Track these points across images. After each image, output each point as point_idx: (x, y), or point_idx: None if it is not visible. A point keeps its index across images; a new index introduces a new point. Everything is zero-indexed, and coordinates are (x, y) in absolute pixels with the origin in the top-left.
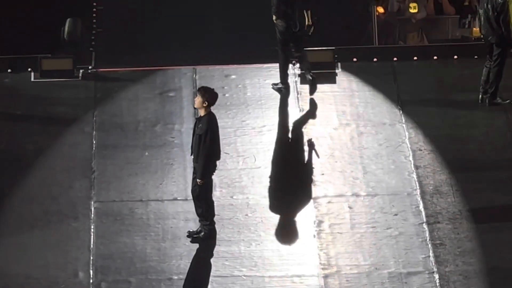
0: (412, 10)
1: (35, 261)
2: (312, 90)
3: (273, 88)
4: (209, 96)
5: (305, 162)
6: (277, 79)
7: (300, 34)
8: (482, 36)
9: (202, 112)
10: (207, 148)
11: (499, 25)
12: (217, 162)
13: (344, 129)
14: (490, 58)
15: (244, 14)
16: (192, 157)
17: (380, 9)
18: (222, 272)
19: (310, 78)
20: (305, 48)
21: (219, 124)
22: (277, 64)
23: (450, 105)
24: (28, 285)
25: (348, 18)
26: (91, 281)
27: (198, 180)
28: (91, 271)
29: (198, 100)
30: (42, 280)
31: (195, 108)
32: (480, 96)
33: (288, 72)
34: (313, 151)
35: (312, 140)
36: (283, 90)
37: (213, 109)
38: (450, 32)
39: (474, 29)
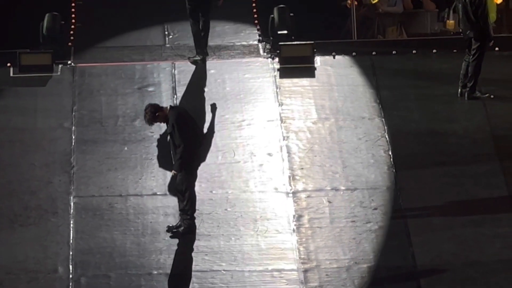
0: (373, 1)
1: (15, 256)
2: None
3: (189, 61)
4: (151, 113)
5: (285, 156)
6: (256, 73)
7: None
8: (460, 30)
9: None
10: (180, 139)
11: (477, 19)
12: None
13: (323, 123)
14: (469, 52)
15: None
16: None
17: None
18: (202, 266)
19: (198, 58)
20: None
21: (198, 118)
22: (256, 59)
23: (429, 99)
24: (7, 280)
25: (327, 13)
26: (70, 276)
27: (174, 171)
28: (70, 266)
29: (156, 123)
30: (21, 275)
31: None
32: (459, 90)
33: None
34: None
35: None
36: (199, 61)
37: (192, 103)
38: (429, 26)
39: (449, 22)
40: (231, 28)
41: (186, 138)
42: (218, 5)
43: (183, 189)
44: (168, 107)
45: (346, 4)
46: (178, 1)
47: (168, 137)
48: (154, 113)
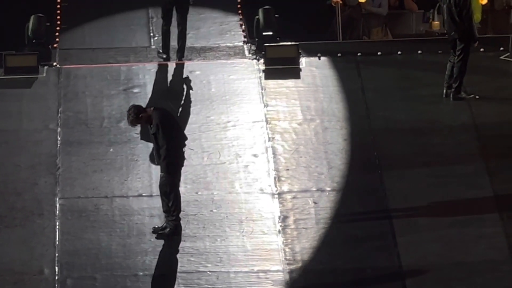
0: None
1: (0, 257)
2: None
3: (158, 56)
4: (133, 115)
5: (270, 157)
6: (241, 74)
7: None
8: (445, 31)
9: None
10: (164, 141)
11: (461, 20)
12: (185, 154)
13: (309, 124)
14: (454, 53)
15: None
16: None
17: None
18: (188, 268)
19: (164, 56)
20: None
21: (183, 120)
22: (242, 60)
23: (415, 99)
24: None
25: (312, 14)
26: (56, 277)
27: (161, 174)
28: (56, 268)
29: (140, 125)
30: (7, 276)
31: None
32: (445, 90)
33: (169, 43)
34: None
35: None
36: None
37: (177, 105)
38: (414, 27)
39: (434, 22)
40: (216, 29)
41: (170, 139)
42: (191, 3)
43: (168, 191)
44: (152, 108)
45: (331, 3)
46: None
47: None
48: (137, 115)
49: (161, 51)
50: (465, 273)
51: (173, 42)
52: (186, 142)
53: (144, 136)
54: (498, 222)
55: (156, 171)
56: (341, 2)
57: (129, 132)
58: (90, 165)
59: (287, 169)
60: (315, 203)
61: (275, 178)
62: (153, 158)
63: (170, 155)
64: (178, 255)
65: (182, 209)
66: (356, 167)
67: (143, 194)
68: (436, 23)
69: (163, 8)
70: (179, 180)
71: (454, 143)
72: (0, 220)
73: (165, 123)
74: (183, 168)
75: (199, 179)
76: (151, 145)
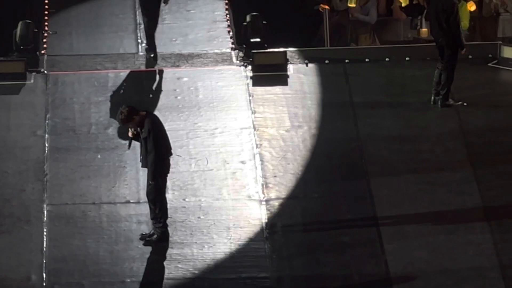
0: (349, 4)
1: None
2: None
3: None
4: (125, 116)
5: (258, 164)
6: (229, 81)
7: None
8: (433, 38)
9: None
10: (153, 147)
11: (449, 27)
12: (171, 161)
13: (296, 131)
14: (441, 60)
15: None
16: (141, 163)
17: (325, 6)
18: (175, 274)
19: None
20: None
21: (171, 126)
22: (229, 67)
23: (402, 106)
24: None
25: (300, 20)
26: (44, 284)
27: (150, 181)
28: (44, 274)
29: (129, 127)
30: None
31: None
32: (432, 97)
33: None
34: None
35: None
36: (148, 52)
37: (165, 111)
38: (402, 34)
39: (422, 30)
40: (204, 36)
41: (159, 146)
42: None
43: (154, 198)
44: (145, 112)
45: (318, 9)
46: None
47: (140, 143)
48: (130, 115)
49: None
50: (453, 280)
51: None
52: (173, 148)
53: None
54: (486, 229)
55: (143, 178)
56: (328, 8)
57: (117, 139)
58: (78, 171)
59: (275, 176)
60: (302, 209)
61: (262, 184)
62: (139, 165)
63: (157, 162)
64: (165, 262)
65: (169, 216)
66: (344, 174)
67: (131, 201)
68: (424, 30)
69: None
70: (164, 187)
71: (442, 150)
72: None
73: (156, 130)
74: (170, 174)
75: (187, 185)
76: (138, 152)
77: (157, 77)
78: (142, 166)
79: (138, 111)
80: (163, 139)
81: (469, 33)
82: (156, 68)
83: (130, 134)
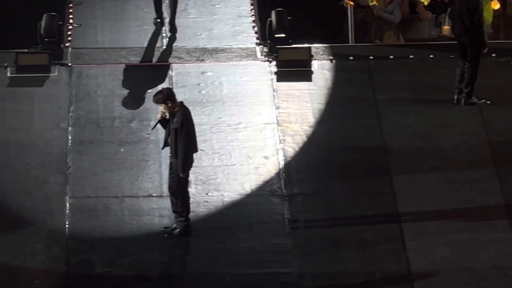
0: (371, 3)
1: (9, 256)
2: None
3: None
4: (163, 97)
5: (281, 159)
6: (253, 76)
7: None
8: (455, 36)
9: (174, 109)
10: (184, 140)
11: (472, 25)
12: (194, 156)
13: (320, 127)
14: (463, 58)
15: None
16: (169, 154)
17: (350, 2)
18: (197, 268)
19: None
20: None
21: (195, 121)
22: (254, 62)
23: (426, 104)
24: (4, 279)
25: (325, 16)
26: (65, 276)
27: (180, 174)
28: (65, 267)
29: (161, 107)
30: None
31: (182, 104)
32: (456, 96)
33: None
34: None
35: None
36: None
37: (189, 105)
38: (426, 31)
39: (444, 27)
40: (229, 30)
41: (189, 139)
42: None
43: (177, 191)
44: (180, 102)
45: (343, 4)
46: (178, 2)
47: (168, 132)
48: (167, 99)
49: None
50: (474, 279)
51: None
52: (197, 143)
53: (155, 137)
54: (508, 228)
55: (166, 171)
56: (353, 3)
57: (140, 132)
58: (101, 164)
59: (298, 172)
60: (325, 205)
61: (285, 180)
62: (162, 158)
63: (187, 155)
64: (187, 256)
65: (192, 210)
66: (366, 171)
67: (153, 194)
68: (446, 27)
69: None
70: (187, 181)
71: (465, 148)
72: (9, 218)
73: (189, 123)
74: (193, 168)
75: (210, 180)
76: (161, 145)
77: (181, 71)
78: (163, 148)
79: (175, 98)
80: (193, 134)
81: (493, 31)
82: (181, 62)
83: (158, 116)
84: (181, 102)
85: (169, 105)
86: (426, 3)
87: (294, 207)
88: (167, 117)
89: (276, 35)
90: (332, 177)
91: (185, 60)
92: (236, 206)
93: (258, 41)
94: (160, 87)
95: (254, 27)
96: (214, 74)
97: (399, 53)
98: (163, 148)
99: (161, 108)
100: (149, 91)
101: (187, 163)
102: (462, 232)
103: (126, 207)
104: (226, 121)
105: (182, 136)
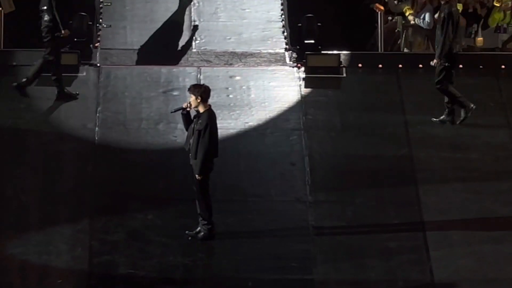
0: (406, 13)
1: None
2: None
3: None
4: (200, 91)
5: (307, 166)
6: (281, 81)
7: None
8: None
9: (201, 109)
10: (206, 143)
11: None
12: (214, 161)
13: (347, 135)
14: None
15: None
16: (190, 154)
17: (380, 7)
18: (220, 273)
19: None
20: None
21: (222, 124)
22: (282, 67)
23: (454, 114)
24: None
25: (355, 24)
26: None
27: (196, 176)
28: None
29: (192, 99)
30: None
31: (210, 107)
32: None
33: None
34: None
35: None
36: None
37: (216, 109)
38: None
39: (478, 38)
40: (258, 35)
41: (211, 143)
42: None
43: (199, 194)
44: (209, 106)
45: (373, 7)
46: (208, 5)
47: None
48: (202, 94)
49: None
50: None
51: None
52: (223, 147)
53: (182, 139)
54: None
55: (191, 174)
56: (383, 9)
57: (167, 135)
58: (125, 166)
59: (324, 178)
60: (351, 213)
61: (311, 186)
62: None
63: (207, 158)
64: (210, 260)
65: (217, 214)
66: (392, 179)
67: (178, 197)
68: (480, 39)
69: None
70: (208, 184)
71: (492, 160)
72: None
73: (213, 127)
74: (218, 173)
75: (234, 184)
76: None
77: (210, 74)
78: (187, 149)
79: (208, 100)
80: (215, 139)
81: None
82: (209, 65)
83: (184, 105)
84: (210, 105)
85: (199, 101)
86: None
87: (319, 214)
88: (189, 110)
89: (305, 41)
90: (358, 185)
91: (214, 63)
92: (260, 211)
93: (287, 46)
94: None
95: (283, 32)
96: (243, 79)
97: (429, 62)
98: (187, 149)
99: (191, 99)
100: (176, 93)
101: (205, 166)
102: (486, 243)
103: (149, 208)
104: (253, 125)
105: (204, 138)
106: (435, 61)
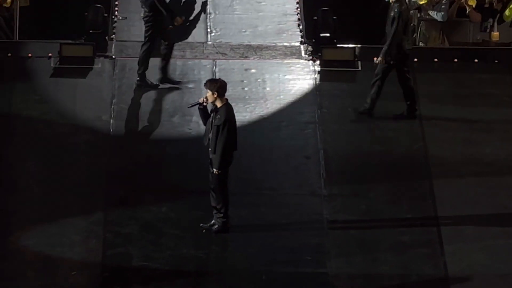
0: (420, 2)
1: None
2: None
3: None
4: (216, 86)
5: (321, 159)
6: (296, 75)
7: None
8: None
9: (218, 104)
10: (224, 138)
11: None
12: (234, 153)
13: (362, 128)
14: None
15: None
16: (209, 148)
17: None
18: (233, 266)
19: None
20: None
21: (237, 117)
22: (298, 60)
23: (468, 108)
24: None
25: (370, 17)
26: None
27: (214, 170)
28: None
29: (208, 94)
30: None
31: (227, 101)
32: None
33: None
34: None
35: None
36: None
37: (231, 102)
38: (471, 36)
39: (494, 33)
40: (274, 28)
41: (230, 137)
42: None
43: (216, 187)
44: (226, 100)
45: (389, 1)
46: None
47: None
48: (218, 89)
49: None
50: (511, 285)
51: (229, 39)
52: (237, 139)
53: (197, 132)
54: None
55: (207, 167)
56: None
57: (182, 128)
58: (140, 159)
59: (338, 172)
60: (365, 207)
61: (325, 180)
62: (203, 154)
63: (225, 153)
64: (224, 253)
65: (231, 207)
66: (406, 173)
67: (194, 190)
68: (496, 33)
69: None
70: (227, 178)
71: (506, 154)
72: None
73: (232, 121)
74: (233, 166)
75: (249, 177)
76: (202, 140)
77: (225, 67)
78: (206, 144)
79: (224, 94)
80: (234, 132)
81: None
82: (225, 58)
83: (200, 100)
84: (227, 100)
85: (215, 96)
86: (474, 5)
87: (333, 208)
88: (206, 104)
89: (321, 35)
90: (372, 179)
91: (229, 56)
92: (274, 205)
93: (302, 39)
94: (203, 81)
95: (299, 25)
96: (258, 71)
97: (444, 56)
98: (206, 144)
99: (208, 94)
100: (192, 86)
101: (225, 160)
102: (499, 238)
103: (162, 201)
104: (268, 118)
105: (223, 133)
106: (379, 58)
